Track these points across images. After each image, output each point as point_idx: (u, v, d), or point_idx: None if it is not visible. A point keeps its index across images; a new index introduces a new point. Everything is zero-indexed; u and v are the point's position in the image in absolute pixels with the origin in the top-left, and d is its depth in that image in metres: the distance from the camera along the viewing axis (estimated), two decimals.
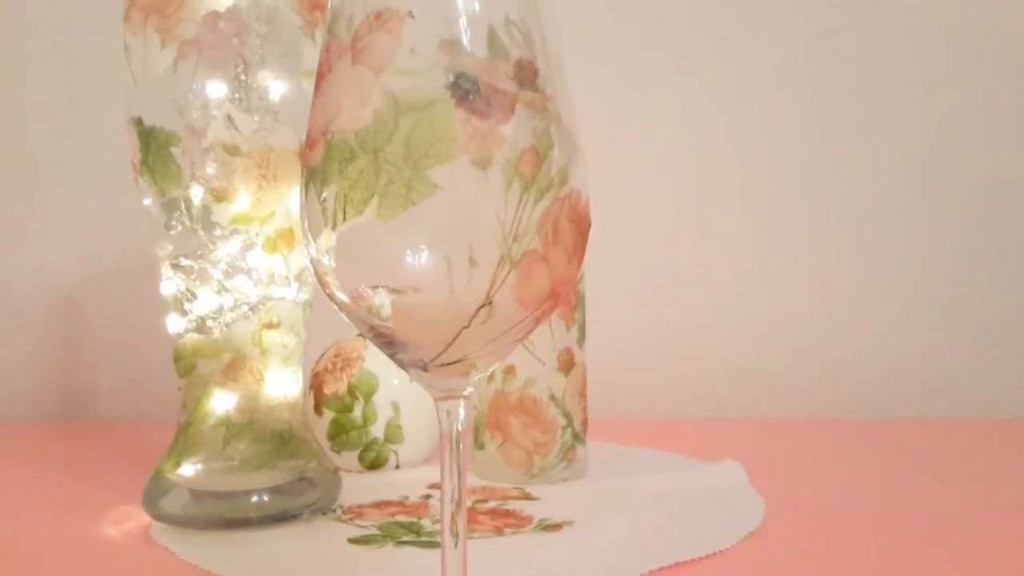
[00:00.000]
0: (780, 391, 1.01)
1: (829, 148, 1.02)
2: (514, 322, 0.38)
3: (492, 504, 0.67)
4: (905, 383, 1.00)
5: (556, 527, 0.62)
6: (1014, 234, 1.00)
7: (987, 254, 1.01)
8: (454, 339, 0.38)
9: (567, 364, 0.73)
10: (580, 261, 0.40)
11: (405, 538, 0.60)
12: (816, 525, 0.63)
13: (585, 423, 0.75)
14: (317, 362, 0.77)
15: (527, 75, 0.37)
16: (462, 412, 0.41)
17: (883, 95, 1.01)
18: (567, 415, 0.73)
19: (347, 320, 0.40)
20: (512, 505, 0.67)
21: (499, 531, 0.61)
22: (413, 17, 0.36)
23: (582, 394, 0.74)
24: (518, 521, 0.63)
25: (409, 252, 0.36)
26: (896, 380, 1.01)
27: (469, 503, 0.67)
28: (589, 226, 0.39)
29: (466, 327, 0.37)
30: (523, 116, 0.37)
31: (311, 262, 0.39)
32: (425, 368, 0.40)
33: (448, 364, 0.39)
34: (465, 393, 0.41)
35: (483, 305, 0.37)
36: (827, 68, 1.01)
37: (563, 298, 0.39)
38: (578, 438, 0.74)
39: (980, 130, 1.01)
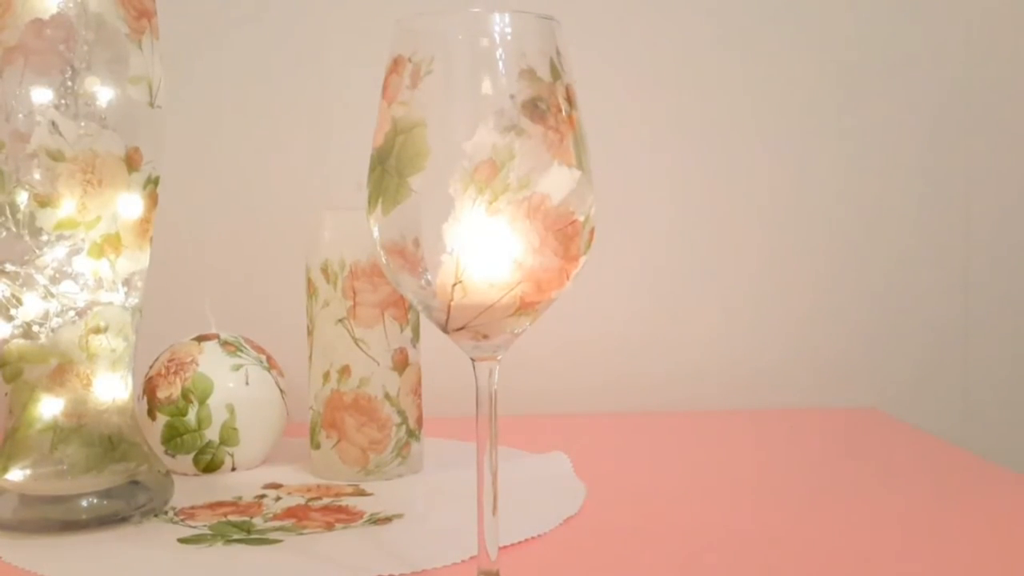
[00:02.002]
0: (611, 385, 1.05)
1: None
2: (490, 299, 0.46)
3: (326, 501, 0.69)
4: (735, 377, 1.06)
5: (386, 520, 0.64)
6: (830, 240, 1.07)
7: (803, 260, 1.07)
8: (448, 310, 0.47)
9: (401, 363, 0.75)
10: (557, 252, 0.46)
11: (235, 536, 0.61)
12: (631, 510, 0.67)
13: (420, 420, 0.77)
14: (151, 367, 0.78)
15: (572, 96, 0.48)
16: (497, 373, 0.50)
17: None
18: (401, 413, 0.75)
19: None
20: (346, 501, 0.69)
21: (330, 526, 0.63)
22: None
23: (416, 392, 0.77)
24: (349, 516, 0.65)
25: (399, 240, 0.46)
26: (727, 374, 1.06)
27: (303, 501, 0.69)
28: (570, 224, 0.47)
29: (451, 300, 0.46)
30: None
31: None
32: (445, 331, 0.49)
33: (458, 330, 0.48)
34: (497, 357, 0.50)
35: (456, 283, 0.46)
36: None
37: (548, 284, 0.47)
38: (413, 435, 0.76)
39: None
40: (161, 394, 0.76)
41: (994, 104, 1.07)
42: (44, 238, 0.61)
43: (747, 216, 1.06)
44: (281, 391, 0.80)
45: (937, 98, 1.06)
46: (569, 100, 0.47)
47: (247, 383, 0.77)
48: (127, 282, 0.64)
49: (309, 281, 0.76)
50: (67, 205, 0.61)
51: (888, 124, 1.06)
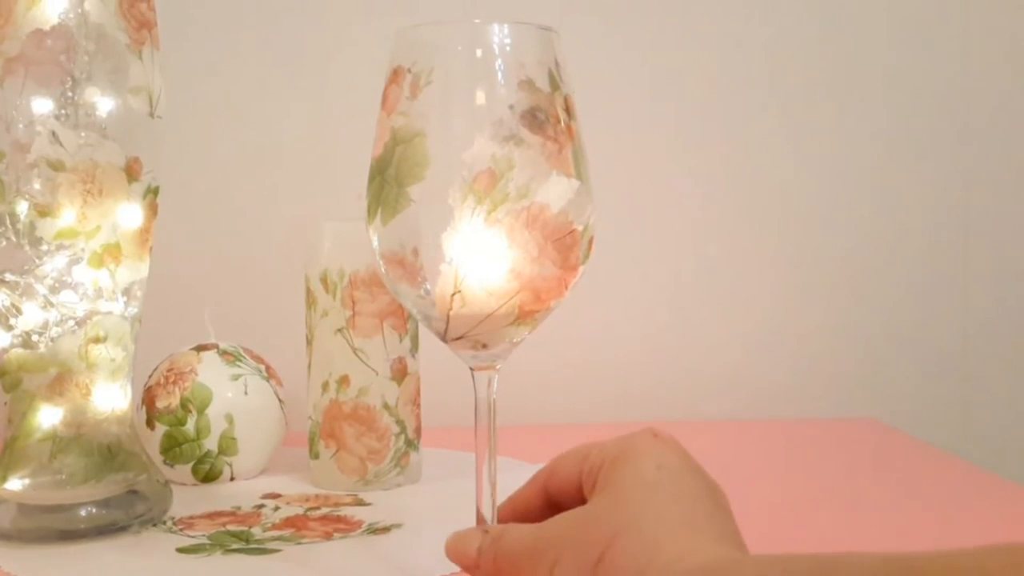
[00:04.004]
0: (611, 395, 1.05)
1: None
2: (489, 309, 0.47)
3: (324, 511, 0.69)
4: (734, 388, 1.06)
5: (384, 530, 0.64)
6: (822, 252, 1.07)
7: (803, 273, 1.07)
8: (447, 320, 0.47)
9: (400, 373, 0.75)
10: (556, 261, 0.47)
11: (234, 546, 0.61)
12: None
13: (418, 430, 0.77)
14: (150, 376, 0.78)
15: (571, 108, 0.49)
16: (496, 382, 0.50)
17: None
18: (400, 423, 0.75)
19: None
20: (344, 511, 0.69)
21: (328, 536, 0.63)
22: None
23: (415, 402, 0.77)
24: (348, 526, 0.65)
25: (398, 250, 0.47)
26: (726, 386, 1.06)
27: (301, 511, 0.69)
28: (569, 234, 0.47)
29: (450, 310, 0.47)
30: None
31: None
32: (444, 341, 0.49)
33: (457, 339, 0.48)
34: (496, 366, 0.50)
35: (455, 293, 0.46)
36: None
37: (547, 294, 0.48)
38: (411, 444, 0.76)
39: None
40: (160, 404, 0.76)
41: (995, 107, 1.07)
42: (44, 248, 0.61)
43: (746, 228, 1.06)
44: (280, 401, 0.80)
45: (940, 122, 1.06)
46: (568, 110, 0.48)
47: (246, 393, 0.77)
48: (127, 292, 0.64)
49: (308, 291, 0.76)
50: (67, 215, 0.61)
51: (879, 138, 1.06)
